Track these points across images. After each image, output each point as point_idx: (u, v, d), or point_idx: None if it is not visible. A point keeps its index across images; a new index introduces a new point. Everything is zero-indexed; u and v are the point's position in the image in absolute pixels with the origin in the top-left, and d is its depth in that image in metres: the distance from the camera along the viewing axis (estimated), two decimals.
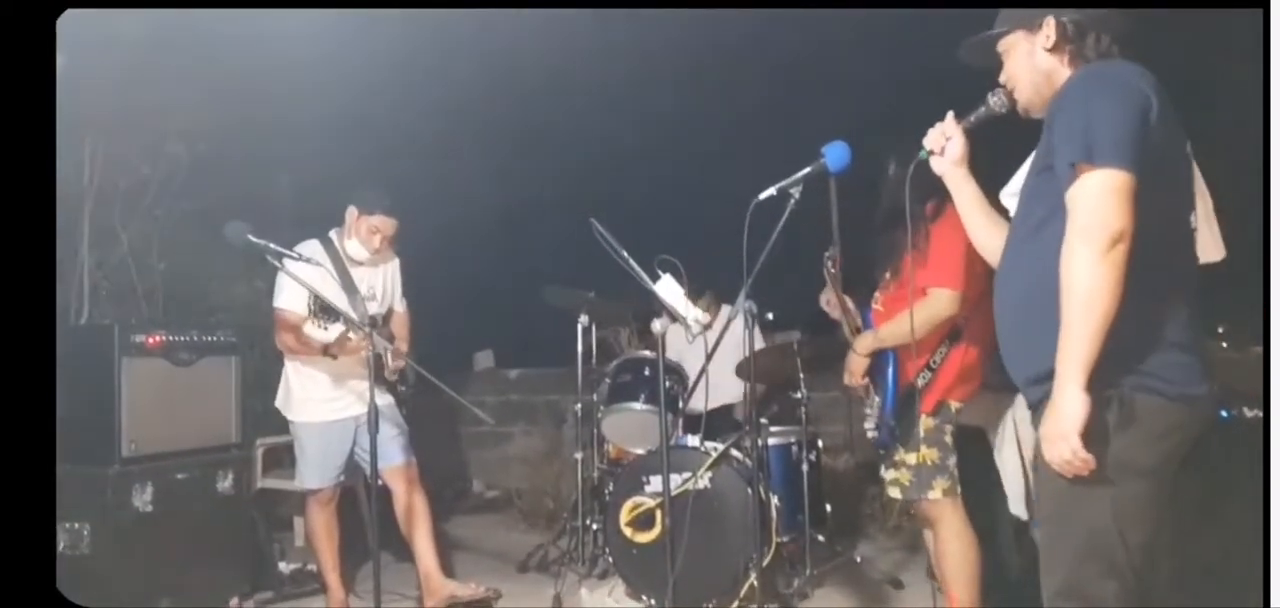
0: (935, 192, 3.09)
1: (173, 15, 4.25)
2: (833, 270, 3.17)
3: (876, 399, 3.25)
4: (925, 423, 3.13)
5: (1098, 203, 1.84)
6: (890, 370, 3.18)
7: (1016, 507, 3.53)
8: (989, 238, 2.34)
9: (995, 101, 2.28)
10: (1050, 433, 1.88)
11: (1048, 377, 1.91)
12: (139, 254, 5.01)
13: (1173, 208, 1.98)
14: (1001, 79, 2.24)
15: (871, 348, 3.22)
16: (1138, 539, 1.92)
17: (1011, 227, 2.20)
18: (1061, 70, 2.12)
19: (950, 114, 2.37)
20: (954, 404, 3.13)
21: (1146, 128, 1.89)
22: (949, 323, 3.06)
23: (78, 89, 3.37)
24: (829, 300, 3.36)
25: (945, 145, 2.37)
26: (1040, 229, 2.01)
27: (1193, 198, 2.05)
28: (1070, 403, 1.83)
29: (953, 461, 3.12)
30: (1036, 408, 2.03)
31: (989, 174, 2.41)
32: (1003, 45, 2.22)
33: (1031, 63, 2.16)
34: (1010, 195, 2.28)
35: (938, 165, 2.39)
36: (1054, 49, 2.12)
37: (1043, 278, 1.92)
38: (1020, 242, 2.11)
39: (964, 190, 2.38)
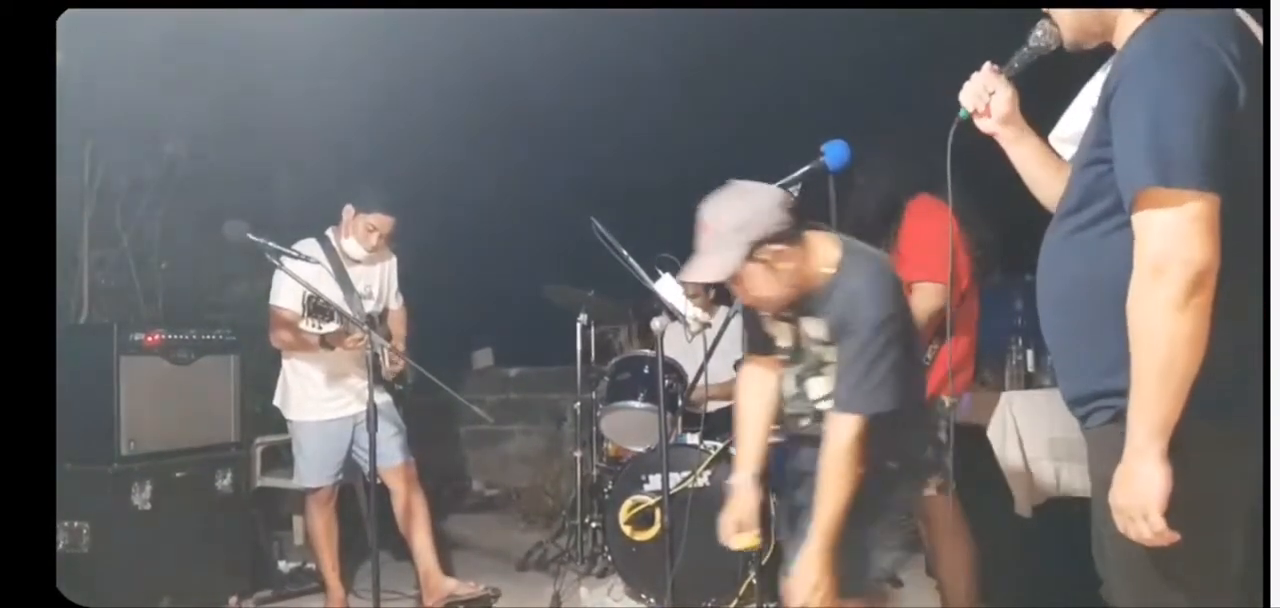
0: (909, 187, 3.13)
1: (173, 14, 4.25)
2: None
3: None
4: None
5: (1175, 240, 1.49)
6: None
7: (1022, 507, 3.53)
8: (1055, 192, 1.87)
9: (1041, 35, 1.83)
10: (1127, 509, 1.56)
11: (1089, 399, 1.67)
12: (139, 254, 5.01)
13: (1256, 207, 1.57)
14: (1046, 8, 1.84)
15: None
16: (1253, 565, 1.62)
17: (1060, 202, 1.78)
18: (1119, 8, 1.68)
19: (987, 64, 1.92)
20: (947, 399, 3.13)
21: (1232, 118, 1.51)
22: (939, 316, 3.06)
23: (78, 89, 3.37)
24: None
25: (989, 102, 1.91)
26: (1094, 223, 1.67)
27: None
28: (1149, 478, 1.52)
29: (948, 457, 3.11)
30: (1084, 421, 1.74)
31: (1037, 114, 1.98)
32: None
33: None
34: (1062, 140, 1.91)
35: (984, 126, 1.94)
36: None
37: (1090, 278, 1.64)
38: (1069, 231, 1.72)
39: (1019, 148, 1.93)
